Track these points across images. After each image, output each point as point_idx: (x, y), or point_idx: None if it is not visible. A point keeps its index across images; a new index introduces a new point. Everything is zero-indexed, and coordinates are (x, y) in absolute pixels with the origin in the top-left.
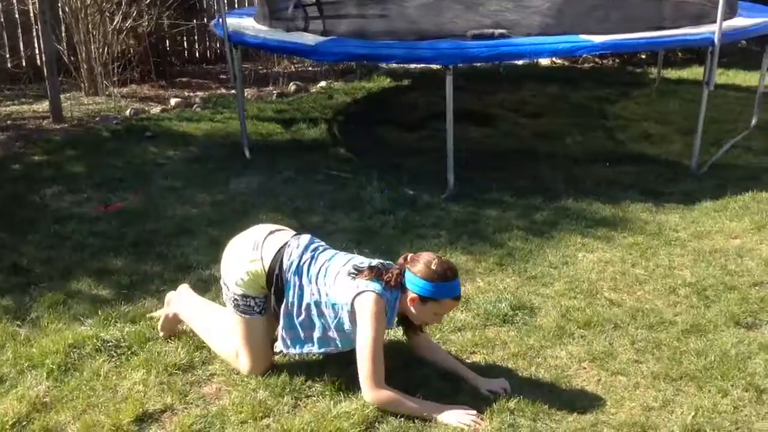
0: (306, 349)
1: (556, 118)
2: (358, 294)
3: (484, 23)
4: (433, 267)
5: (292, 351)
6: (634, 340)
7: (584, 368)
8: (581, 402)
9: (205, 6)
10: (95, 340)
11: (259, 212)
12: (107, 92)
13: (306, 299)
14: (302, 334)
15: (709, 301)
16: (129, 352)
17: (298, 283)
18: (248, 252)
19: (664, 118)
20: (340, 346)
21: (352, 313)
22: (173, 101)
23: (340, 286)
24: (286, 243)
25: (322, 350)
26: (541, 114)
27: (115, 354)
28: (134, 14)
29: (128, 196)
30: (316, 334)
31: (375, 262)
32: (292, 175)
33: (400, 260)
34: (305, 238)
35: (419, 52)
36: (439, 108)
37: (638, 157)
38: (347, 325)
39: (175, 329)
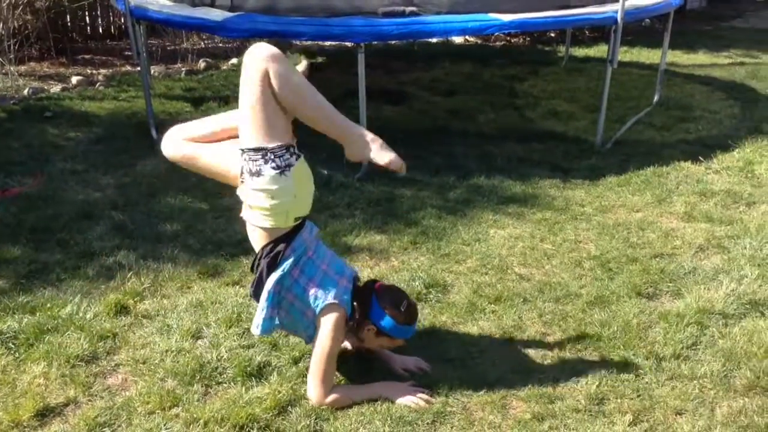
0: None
1: (468, 96)
2: (329, 304)
3: (394, 1)
4: (403, 309)
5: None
6: (542, 313)
7: (495, 343)
8: (491, 376)
9: None
10: None
11: (167, 195)
12: (3, 71)
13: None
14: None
15: (612, 273)
16: (28, 344)
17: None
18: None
19: (571, 96)
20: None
21: (316, 317)
22: (75, 79)
23: (316, 286)
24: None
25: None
26: (454, 92)
27: (13, 346)
28: None
29: (27, 181)
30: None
31: (351, 271)
32: None
33: (370, 284)
34: (314, 228)
35: (330, 30)
36: (352, 86)
37: (547, 134)
38: (305, 321)
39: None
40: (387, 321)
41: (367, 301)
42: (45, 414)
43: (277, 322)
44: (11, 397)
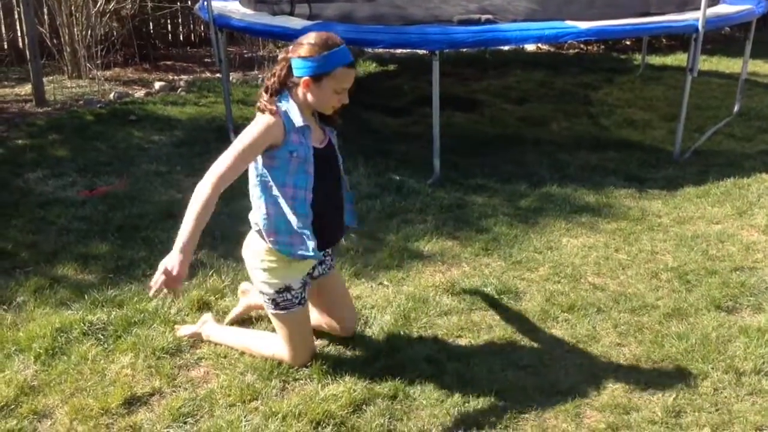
0: (311, 242)
1: (541, 103)
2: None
3: (470, 9)
4: (313, 41)
5: (311, 245)
6: (616, 324)
7: (568, 351)
8: (565, 384)
9: None
10: (82, 324)
11: (244, 198)
12: (90, 75)
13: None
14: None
15: (690, 286)
16: (116, 336)
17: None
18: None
19: (648, 105)
20: (300, 209)
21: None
22: (157, 85)
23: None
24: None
25: (309, 231)
26: (526, 100)
27: (102, 338)
28: None
29: (113, 181)
30: (281, 220)
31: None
32: None
33: (281, 54)
34: None
35: (406, 37)
36: (424, 93)
37: (622, 143)
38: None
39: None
40: (307, 62)
41: (287, 69)
42: (132, 402)
43: None
44: (101, 385)
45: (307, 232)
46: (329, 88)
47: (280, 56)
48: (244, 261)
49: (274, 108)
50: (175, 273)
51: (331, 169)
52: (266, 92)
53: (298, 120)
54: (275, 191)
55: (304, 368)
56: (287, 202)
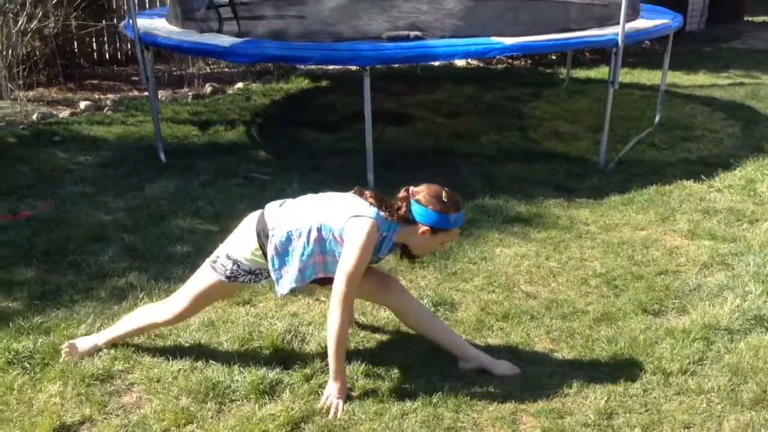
0: (298, 282)
1: (472, 117)
2: (353, 217)
3: (398, 26)
4: (445, 199)
5: (290, 287)
6: (549, 330)
7: (503, 359)
8: (501, 392)
9: (114, 6)
10: (7, 353)
11: (176, 217)
12: (12, 96)
13: (288, 230)
14: (293, 266)
15: (618, 291)
16: (43, 364)
17: (282, 226)
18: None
19: (573, 117)
20: (310, 275)
21: (341, 237)
22: (83, 104)
23: (333, 210)
24: (261, 213)
25: (312, 276)
26: (457, 114)
27: (29, 366)
28: (39, 15)
29: (37, 204)
30: (300, 262)
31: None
32: (210, 178)
33: (402, 193)
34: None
35: (337, 54)
36: (357, 109)
37: (550, 154)
38: (337, 249)
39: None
40: (435, 215)
41: (407, 207)
42: None
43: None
44: (27, 416)
45: (296, 285)
46: (439, 241)
47: (401, 194)
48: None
49: (377, 231)
50: (342, 396)
51: None
52: (379, 207)
53: (384, 252)
54: (314, 251)
55: (240, 389)
56: (311, 262)
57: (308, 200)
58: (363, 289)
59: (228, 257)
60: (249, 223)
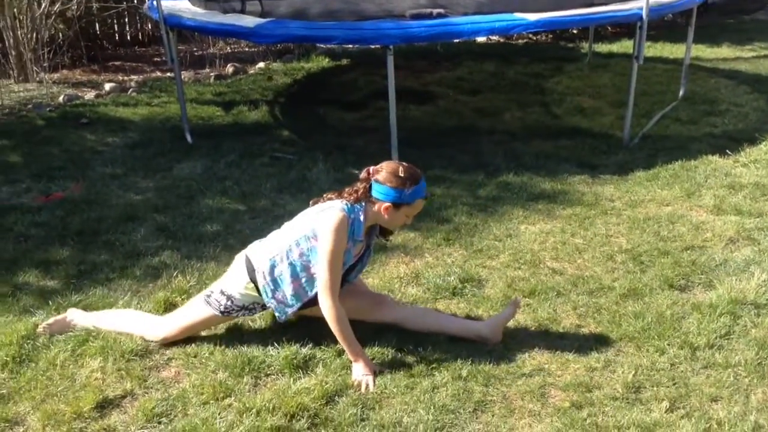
0: (295, 303)
1: (494, 94)
2: (320, 213)
3: (421, 3)
4: (402, 174)
5: (289, 311)
6: (575, 306)
7: (531, 335)
8: (529, 366)
9: None
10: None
11: (204, 197)
12: (38, 79)
13: (269, 258)
14: (287, 289)
15: (644, 266)
16: (83, 341)
17: (264, 257)
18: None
19: (596, 92)
20: (309, 291)
21: (315, 237)
22: (108, 86)
23: (303, 222)
24: (246, 252)
25: (299, 304)
26: (479, 91)
27: (70, 343)
28: None
29: (69, 185)
30: (292, 283)
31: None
32: (236, 158)
33: (363, 174)
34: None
35: (361, 33)
36: (379, 87)
37: (574, 130)
38: (313, 255)
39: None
40: (393, 191)
41: (365, 188)
42: (104, 406)
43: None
44: (71, 390)
45: (296, 306)
46: (403, 214)
47: (362, 175)
48: (233, 267)
49: (346, 217)
50: (370, 372)
51: (353, 269)
52: (339, 197)
53: (359, 234)
54: (301, 266)
55: (275, 363)
56: (303, 277)
57: (280, 229)
58: (359, 311)
59: (222, 293)
60: (239, 261)
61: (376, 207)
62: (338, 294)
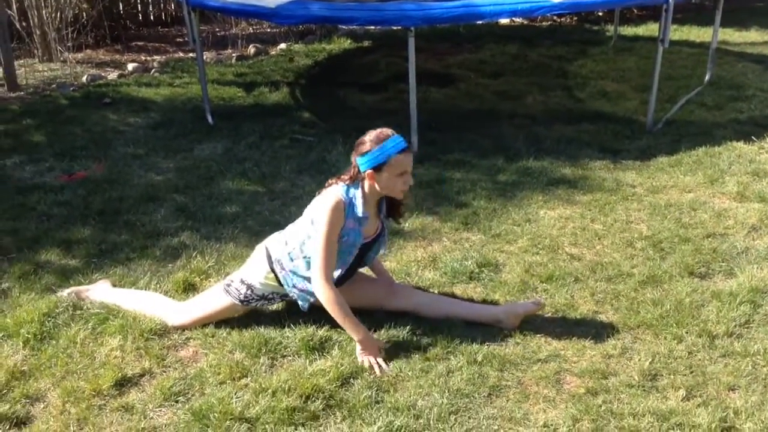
0: (315, 298)
1: (516, 77)
2: (316, 197)
3: None
4: (368, 138)
5: (312, 300)
6: (593, 292)
7: (547, 320)
8: (545, 352)
9: None
10: (69, 309)
11: (224, 178)
12: (62, 58)
13: (288, 251)
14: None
15: (664, 253)
16: (103, 319)
17: (282, 250)
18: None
19: (620, 76)
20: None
21: (313, 224)
22: (130, 66)
23: (306, 212)
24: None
25: (307, 304)
26: (501, 74)
27: (90, 321)
28: None
29: (91, 165)
30: (308, 282)
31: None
32: (256, 139)
33: (352, 157)
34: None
35: (383, 14)
36: (400, 69)
37: (596, 114)
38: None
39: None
40: (365, 157)
41: (356, 166)
42: (123, 384)
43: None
44: (91, 368)
45: (314, 299)
46: (391, 174)
47: (352, 158)
48: (252, 258)
49: (342, 200)
50: (372, 352)
51: (369, 250)
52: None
53: (359, 210)
54: None
55: (291, 345)
56: None
57: (296, 222)
58: (373, 299)
59: (242, 282)
60: (260, 252)
61: (366, 180)
62: (332, 277)
